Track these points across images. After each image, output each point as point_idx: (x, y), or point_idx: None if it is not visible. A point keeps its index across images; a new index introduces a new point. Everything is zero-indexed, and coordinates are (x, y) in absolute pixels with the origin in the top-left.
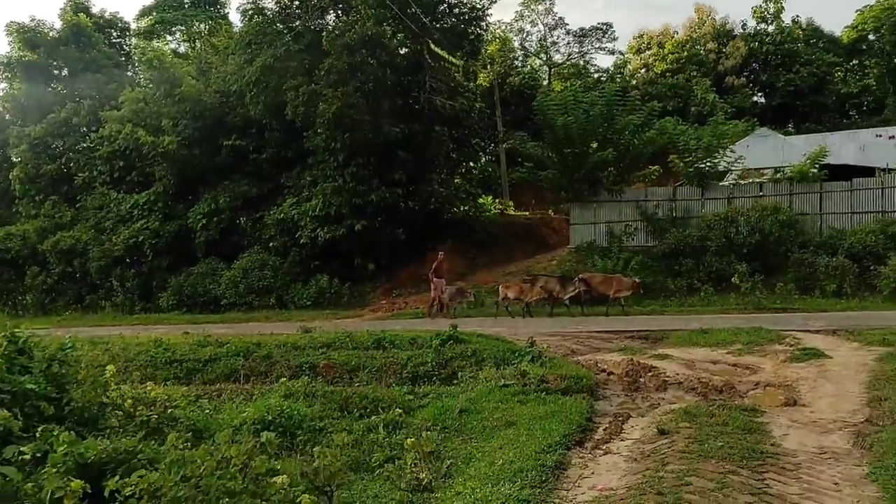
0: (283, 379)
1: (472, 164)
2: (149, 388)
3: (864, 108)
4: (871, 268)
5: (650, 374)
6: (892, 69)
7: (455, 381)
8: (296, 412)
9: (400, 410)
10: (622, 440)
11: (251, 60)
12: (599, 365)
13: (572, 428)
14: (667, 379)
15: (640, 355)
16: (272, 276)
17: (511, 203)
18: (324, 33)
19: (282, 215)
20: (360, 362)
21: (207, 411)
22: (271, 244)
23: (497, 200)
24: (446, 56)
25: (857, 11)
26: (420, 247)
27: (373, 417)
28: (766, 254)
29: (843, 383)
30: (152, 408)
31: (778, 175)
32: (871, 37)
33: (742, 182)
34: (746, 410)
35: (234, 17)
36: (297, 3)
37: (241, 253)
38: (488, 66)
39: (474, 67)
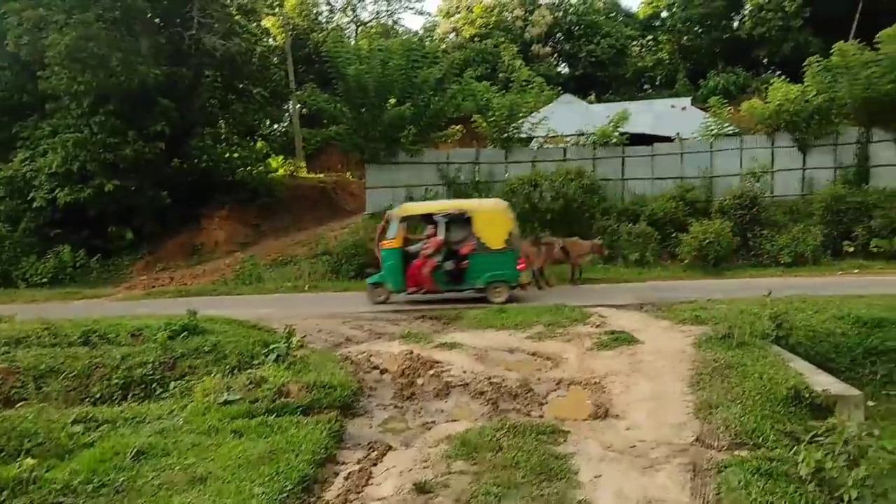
0: None
1: (276, 124)
2: None
3: (658, 81)
4: (673, 235)
5: (431, 372)
6: (682, 46)
7: (164, 395)
8: None
9: (33, 462)
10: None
11: None
12: (373, 359)
13: (289, 485)
14: (450, 379)
15: (424, 344)
16: None
17: (304, 165)
18: None
19: (11, 172)
20: (56, 365)
21: None
22: None
23: (288, 162)
24: None
25: None
26: (192, 212)
27: None
28: (571, 220)
29: (662, 380)
30: None
31: (582, 138)
32: (664, 14)
33: (547, 146)
34: (545, 433)
35: None
36: None
37: None
38: (277, 9)
39: (255, 6)
